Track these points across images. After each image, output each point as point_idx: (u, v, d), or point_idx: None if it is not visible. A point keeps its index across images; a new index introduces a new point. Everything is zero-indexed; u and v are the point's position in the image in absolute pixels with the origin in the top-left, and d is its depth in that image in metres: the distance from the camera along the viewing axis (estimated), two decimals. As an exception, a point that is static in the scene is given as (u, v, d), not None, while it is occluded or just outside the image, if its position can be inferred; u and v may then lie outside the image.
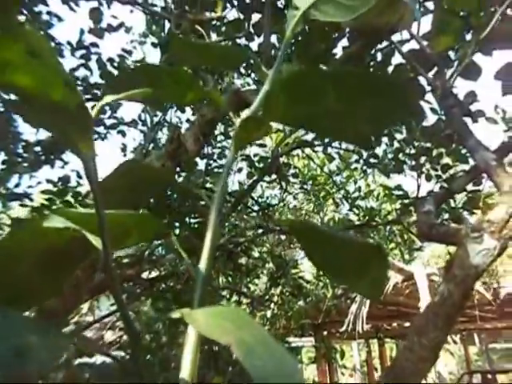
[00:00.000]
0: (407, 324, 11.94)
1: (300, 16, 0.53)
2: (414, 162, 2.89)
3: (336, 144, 3.30)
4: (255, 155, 3.50)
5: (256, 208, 3.64)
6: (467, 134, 1.21)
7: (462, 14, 1.27)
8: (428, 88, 1.96)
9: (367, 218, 4.87)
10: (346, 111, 0.31)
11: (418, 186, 2.68)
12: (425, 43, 1.44)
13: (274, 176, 3.57)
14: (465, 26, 1.30)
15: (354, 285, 0.49)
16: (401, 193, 3.33)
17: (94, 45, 3.44)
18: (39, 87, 0.31)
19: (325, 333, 10.72)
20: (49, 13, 3.31)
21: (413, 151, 2.68)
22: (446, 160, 2.88)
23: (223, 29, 2.58)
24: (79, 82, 4.09)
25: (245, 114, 0.40)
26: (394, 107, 0.31)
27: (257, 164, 3.46)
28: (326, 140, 2.98)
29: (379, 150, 3.18)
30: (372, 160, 3.11)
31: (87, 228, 0.38)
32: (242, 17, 2.44)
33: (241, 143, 0.39)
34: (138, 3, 2.19)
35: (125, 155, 4.82)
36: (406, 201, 2.95)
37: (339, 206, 5.21)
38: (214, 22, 2.16)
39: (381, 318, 11.11)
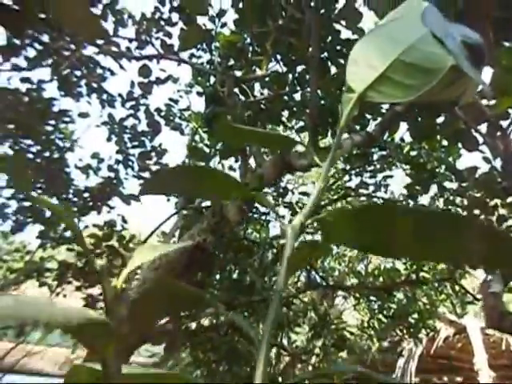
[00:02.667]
0: (459, 379, 11.14)
1: (356, 100, 0.49)
2: (466, 213, 2.73)
3: (381, 193, 3.21)
4: (297, 202, 3.45)
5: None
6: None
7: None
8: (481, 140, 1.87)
9: (415, 267, 4.64)
10: (424, 247, 0.26)
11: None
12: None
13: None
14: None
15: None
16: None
17: (143, 96, 3.60)
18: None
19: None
20: (102, 67, 3.52)
21: (465, 202, 2.54)
22: (502, 211, 2.70)
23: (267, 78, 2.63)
24: (127, 130, 4.28)
25: (297, 219, 0.36)
26: (480, 252, 0.27)
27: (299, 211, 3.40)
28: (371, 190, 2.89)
29: (426, 198, 3.05)
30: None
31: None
32: (285, 69, 2.48)
33: (295, 267, 0.34)
34: (185, 61, 2.27)
35: (168, 200, 4.92)
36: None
37: (385, 254, 5.00)
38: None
39: (431, 371, 10.41)
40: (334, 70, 2.30)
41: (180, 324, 2.39)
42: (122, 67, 2.86)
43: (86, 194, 3.48)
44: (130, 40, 3.43)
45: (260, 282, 2.46)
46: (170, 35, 3.42)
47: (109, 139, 3.86)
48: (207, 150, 4.26)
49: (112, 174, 3.66)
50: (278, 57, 2.12)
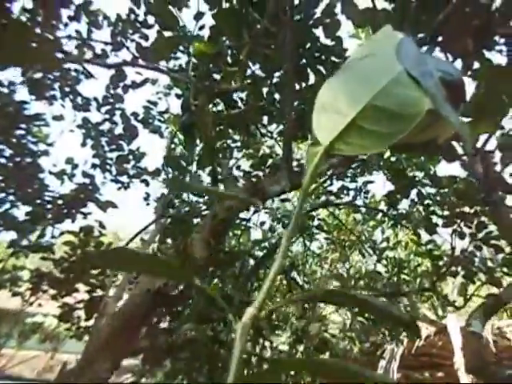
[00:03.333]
0: (440, 374, 11.31)
1: (322, 154, 0.44)
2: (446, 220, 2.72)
3: (360, 202, 3.18)
4: (278, 208, 3.40)
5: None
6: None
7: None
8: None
9: (396, 269, 4.65)
10: None
11: (453, 249, 2.51)
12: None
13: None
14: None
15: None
16: (433, 249, 3.14)
17: (119, 100, 3.49)
18: None
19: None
20: (76, 70, 3.40)
21: (446, 212, 2.53)
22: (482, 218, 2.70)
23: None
24: (104, 134, 4.17)
25: (248, 313, 0.31)
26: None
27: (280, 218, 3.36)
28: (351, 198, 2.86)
29: (405, 204, 3.03)
30: (399, 217, 2.96)
31: None
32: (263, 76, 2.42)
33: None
34: (159, 69, 2.19)
35: (148, 204, 4.82)
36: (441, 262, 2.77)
37: (365, 257, 5.01)
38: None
39: (412, 368, 10.53)
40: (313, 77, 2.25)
41: (156, 339, 2.32)
42: (91, 75, 2.76)
43: (60, 201, 3.35)
44: (106, 43, 3.33)
45: (239, 295, 2.40)
46: (146, 37, 3.33)
47: (83, 144, 3.74)
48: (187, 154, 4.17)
49: (87, 180, 3.55)
50: (255, 65, 2.07)
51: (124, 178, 4.65)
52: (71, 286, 3.82)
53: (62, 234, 4.20)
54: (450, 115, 0.47)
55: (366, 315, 4.71)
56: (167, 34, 1.85)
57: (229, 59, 1.90)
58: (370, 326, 4.71)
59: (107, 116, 3.59)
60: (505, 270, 2.68)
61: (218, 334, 2.56)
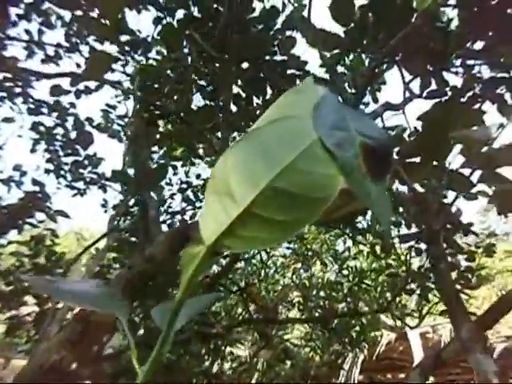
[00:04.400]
0: (402, 375, 11.57)
1: (204, 255, 0.36)
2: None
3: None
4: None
5: (234, 288, 3.40)
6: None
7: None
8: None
9: (357, 279, 4.66)
10: None
11: (408, 265, 2.50)
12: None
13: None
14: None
15: None
16: (390, 264, 3.14)
17: (72, 105, 3.32)
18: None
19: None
20: (24, 70, 3.20)
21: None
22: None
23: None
24: (59, 138, 3.97)
25: None
26: None
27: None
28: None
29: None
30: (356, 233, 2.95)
31: None
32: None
33: None
34: (104, 81, 2.07)
35: (105, 211, 4.63)
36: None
37: (327, 267, 5.01)
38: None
39: (374, 370, 10.72)
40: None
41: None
42: (30, 86, 2.60)
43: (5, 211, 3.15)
44: (57, 45, 3.16)
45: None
46: (101, 40, 3.18)
47: (33, 150, 3.54)
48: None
49: (36, 188, 3.35)
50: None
51: (80, 184, 4.46)
52: (19, 298, 3.60)
53: (9, 243, 3.98)
54: (367, 198, 0.41)
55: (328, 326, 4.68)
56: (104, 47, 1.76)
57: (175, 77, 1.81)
58: (332, 336, 4.70)
59: (59, 121, 3.40)
60: (458, 287, 2.70)
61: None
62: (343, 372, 7.04)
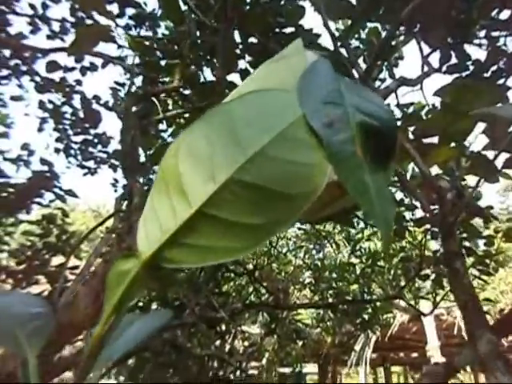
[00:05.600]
0: (415, 354, 11.63)
1: (139, 270, 0.27)
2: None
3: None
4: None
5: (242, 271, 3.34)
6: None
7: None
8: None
9: (370, 261, 4.58)
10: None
11: (424, 249, 2.39)
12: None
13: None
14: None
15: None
16: (404, 247, 3.04)
17: (78, 83, 3.24)
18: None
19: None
20: (24, 46, 3.12)
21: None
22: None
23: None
24: (67, 116, 3.91)
25: None
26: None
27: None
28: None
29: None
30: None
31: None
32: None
33: None
34: (102, 56, 1.97)
35: (115, 191, 4.60)
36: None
37: (340, 248, 4.93)
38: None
39: (387, 349, 10.79)
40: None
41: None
42: (26, 63, 2.51)
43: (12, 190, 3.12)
44: (63, 20, 3.06)
45: (193, 301, 2.25)
46: (109, 13, 3.06)
47: (40, 129, 3.49)
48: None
49: (45, 168, 3.31)
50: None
51: (91, 164, 4.44)
52: (30, 277, 3.63)
53: (21, 222, 3.98)
54: (361, 194, 0.32)
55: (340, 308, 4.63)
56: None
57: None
58: (343, 318, 4.66)
59: (64, 99, 3.33)
60: (475, 273, 2.59)
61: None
62: (355, 352, 7.04)
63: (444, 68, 1.87)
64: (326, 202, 0.37)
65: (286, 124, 0.32)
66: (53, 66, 2.39)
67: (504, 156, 0.89)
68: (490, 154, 0.97)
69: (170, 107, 2.78)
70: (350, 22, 1.78)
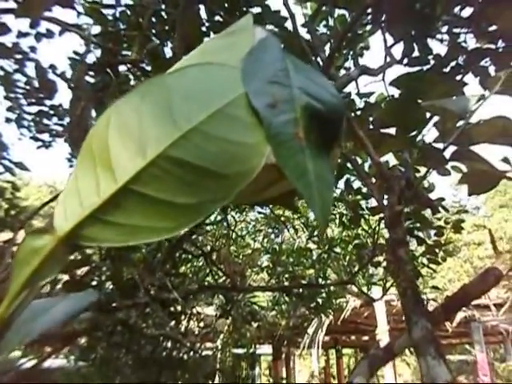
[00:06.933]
0: (365, 338, 12.10)
1: (53, 247, 0.25)
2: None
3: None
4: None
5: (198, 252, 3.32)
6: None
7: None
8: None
9: (327, 246, 4.67)
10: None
11: (376, 237, 2.46)
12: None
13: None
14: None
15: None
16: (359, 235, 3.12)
17: (32, 50, 3.06)
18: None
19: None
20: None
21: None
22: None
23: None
24: (21, 85, 3.71)
25: None
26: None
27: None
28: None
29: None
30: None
31: None
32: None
33: None
34: (57, 22, 1.85)
35: (71, 166, 4.43)
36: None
37: (298, 233, 5.00)
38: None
39: (339, 332, 11.16)
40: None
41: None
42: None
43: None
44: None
45: (147, 282, 2.23)
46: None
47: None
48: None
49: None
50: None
51: (46, 136, 4.24)
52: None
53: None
54: (298, 179, 0.31)
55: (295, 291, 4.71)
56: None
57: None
58: (297, 302, 4.76)
59: (17, 67, 3.15)
60: (424, 261, 2.70)
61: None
62: (308, 335, 7.24)
63: (405, 60, 1.90)
64: (264, 184, 0.36)
65: (226, 101, 0.31)
66: (1, 29, 2.24)
67: (453, 149, 0.92)
68: (441, 147, 1.00)
69: (133, 83, 2.69)
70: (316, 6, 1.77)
